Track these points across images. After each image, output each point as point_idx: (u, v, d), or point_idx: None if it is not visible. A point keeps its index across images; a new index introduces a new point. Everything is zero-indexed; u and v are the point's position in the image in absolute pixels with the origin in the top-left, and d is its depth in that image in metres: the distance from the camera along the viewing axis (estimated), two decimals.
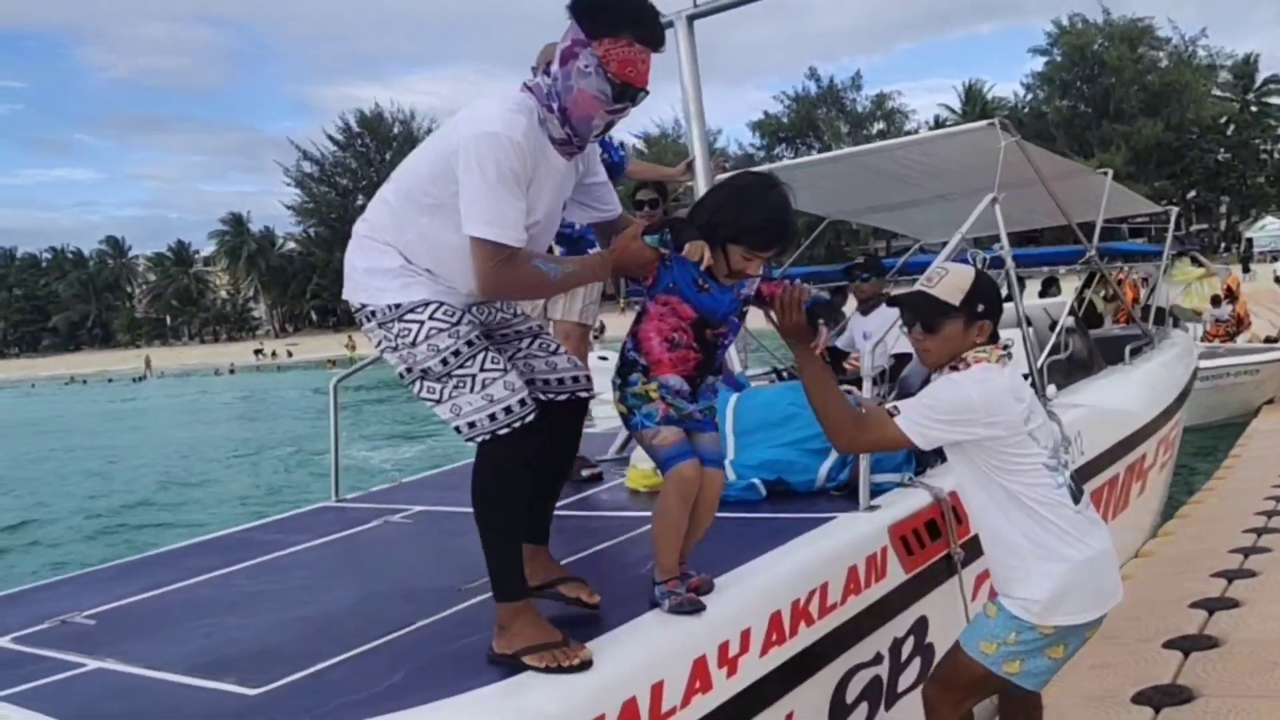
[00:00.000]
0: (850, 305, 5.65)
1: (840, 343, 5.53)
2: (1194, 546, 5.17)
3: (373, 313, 2.29)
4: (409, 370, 2.28)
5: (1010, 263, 4.95)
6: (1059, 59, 59.97)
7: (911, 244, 9.53)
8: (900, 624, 2.89)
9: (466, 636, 2.39)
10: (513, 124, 2.12)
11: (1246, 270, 28.96)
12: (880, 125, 66.83)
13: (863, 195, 6.96)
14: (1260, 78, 59.37)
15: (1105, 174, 6.59)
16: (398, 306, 2.25)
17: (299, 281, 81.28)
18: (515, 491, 2.27)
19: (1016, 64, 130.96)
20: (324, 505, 4.46)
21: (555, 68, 2.21)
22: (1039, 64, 61.76)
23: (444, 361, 2.23)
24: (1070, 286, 11.47)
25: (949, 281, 2.39)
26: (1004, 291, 5.74)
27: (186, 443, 21.56)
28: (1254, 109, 59.26)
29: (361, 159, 78.85)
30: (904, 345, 3.76)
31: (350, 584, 3.12)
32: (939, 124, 64.75)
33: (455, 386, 2.24)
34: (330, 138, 78.34)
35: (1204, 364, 10.03)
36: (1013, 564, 2.35)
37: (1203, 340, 12.67)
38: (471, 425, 2.23)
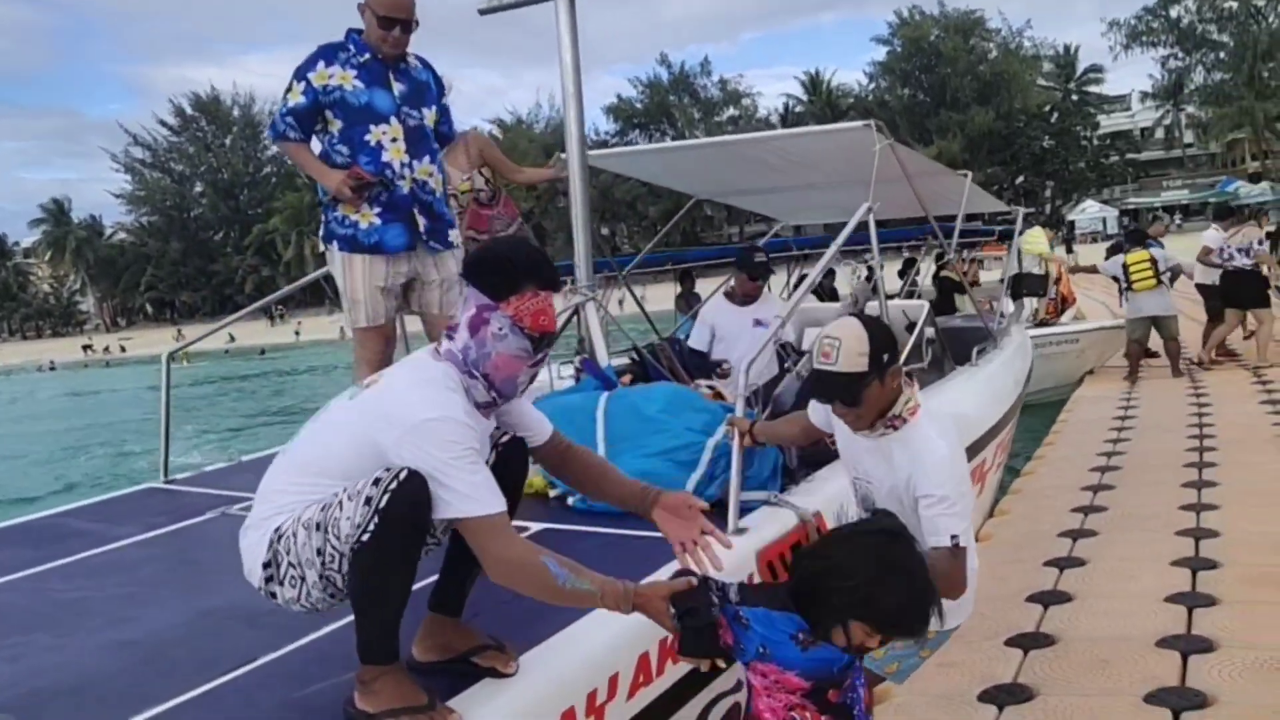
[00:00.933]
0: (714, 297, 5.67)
1: (696, 341, 5.45)
2: (1027, 527, 5.32)
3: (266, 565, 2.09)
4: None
5: (879, 273, 5.22)
6: (899, 49, 62.32)
7: (766, 228, 9.89)
8: None
9: (321, 679, 2.16)
10: (451, 403, 2.03)
11: (1070, 251, 30.69)
12: (731, 111, 68.03)
13: (731, 179, 7.23)
14: (1080, 68, 63.31)
15: (965, 175, 7.01)
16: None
17: (131, 273, 76.64)
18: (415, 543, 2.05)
19: (858, 52, 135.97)
20: (151, 486, 4.07)
21: (464, 338, 2.13)
22: (880, 53, 64.17)
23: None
24: (926, 268, 12.03)
25: (846, 350, 2.33)
26: (873, 300, 5.91)
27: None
28: (1075, 98, 63.14)
29: (199, 144, 74.87)
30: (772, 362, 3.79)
31: (183, 596, 2.78)
32: (788, 111, 66.49)
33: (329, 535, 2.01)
34: (162, 122, 74.15)
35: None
36: None
37: (1033, 322, 13.33)
38: (358, 526, 1.98)
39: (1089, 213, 57.38)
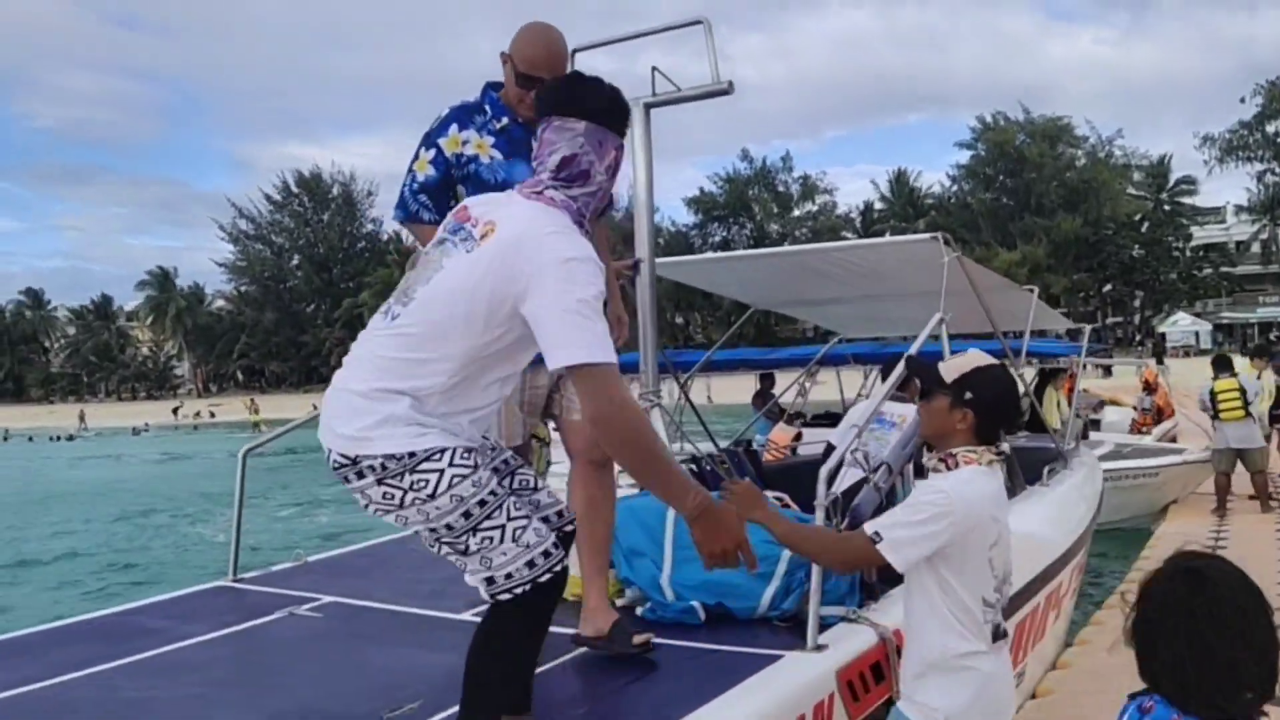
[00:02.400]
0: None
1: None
2: (1110, 659, 5.22)
3: (373, 466, 2.06)
4: (427, 526, 2.12)
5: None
6: (982, 153, 62.44)
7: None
8: None
9: None
10: (584, 246, 2.08)
11: (1160, 363, 29.93)
12: (809, 206, 68.61)
13: (794, 289, 7.21)
14: (1173, 178, 62.50)
15: (1031, 291, 6.97)
16: (410, 455, 2.05)
17: (226, 340, 79.65)
18: (538, 645, 2.21)
19: (941, 153, 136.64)
20: (220, 585, 4.06)
21: (603, 179, 2.24)
22: (964, 156, 64.31)
23: (467, 514, 2.09)
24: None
25: (955, 361, 2.43)
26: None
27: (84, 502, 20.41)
28: (1166, 208, 62.19)
29: (298, 218, 78.24)
30: (855, 473, 3.69)
31: (252, 699, 2.76)
32: (869, 209, 66.78)
33: (484, 540, 2.11)
34: (267, 196, 77.80)
35: (1106, 466, 10.40)
36: (923, 669, 2.35)
37: (1129, 430, 13.07)
38: (509, 576, 2.11)
39: (1180, 325, 56.07)
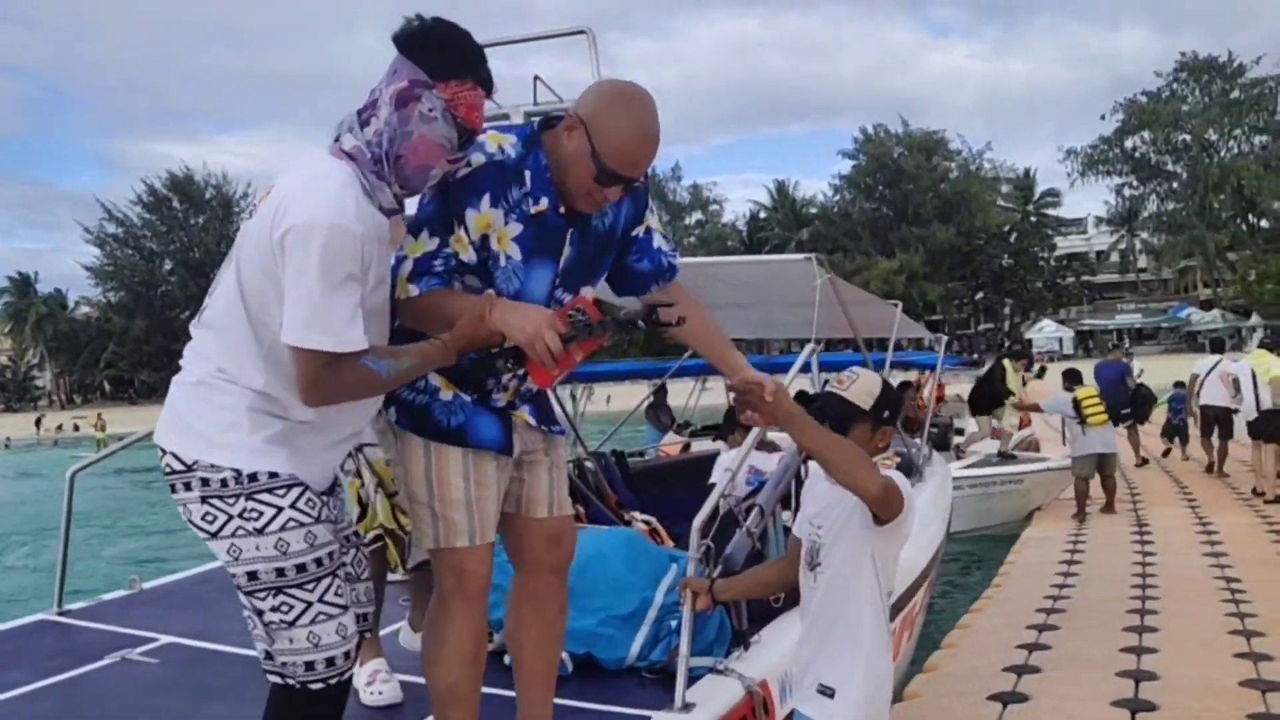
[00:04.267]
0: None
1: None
2: (974, 661, 5.41)
3: (206, 479, 1.85)
4: (230, 557, 1.87)
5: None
6: (863, 164, 64.38)
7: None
8: None
9: None
10: (343, 208, 1.82)
11: (1030, 368, 31.31)
12: (698, 215, 69.57)
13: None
14: (1039, 190, 65.67)
15: (895, 305, 7.38)
16: (251, 478, 1.85)
17: (92, 349, 75.70)
18: None
19: (825, 163, 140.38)
20: (43, 618, 3.73)
21: (386, 113, 1.91)
22: (846, 166, 66.18)
23: (280, 571, 1.86)
24: None
25: (859, 386, 2.41)
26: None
27: None
28: (1033, 219, 65.28)
29: (171, 221, 75.03)
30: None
31: None
32: (754, 218, 68.09)
33: (280, 610, 1.87)
34: (138, 198, 74.34)
35: (971, 473, 10.79)
36: (855, 661, 2.30)
37: (991, 437, 13.58)
38: (284, 665, 1.90)
39: (1046, 332, 58.79)
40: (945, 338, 10.67)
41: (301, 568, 1.87)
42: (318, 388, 1.83)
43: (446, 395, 2.15)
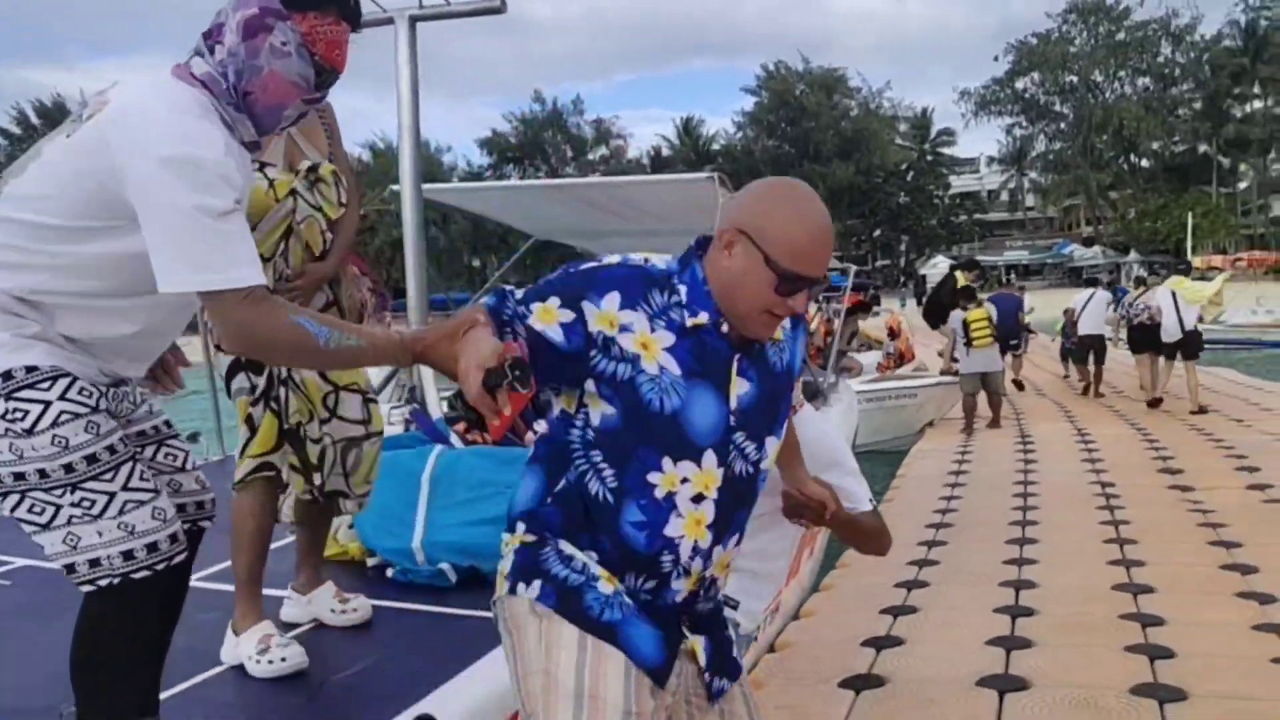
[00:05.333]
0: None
1: None
2: (868, 579, 5.66)
3: None
4: (12, 471, 1.69)
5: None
6: (766, 101, 64.66)
7: None
8: None
9: None
10: (209, 139, 1.66)
11: (921, 304, 32.32)
12: (603, 150, 68.98)
13: (574, 222, 7.25)
14: (935, 130, 67.07)
15: None
16: (5, 376, 1.67)
17: None
18: (150, 646, 1.81)
19: (729, 100, 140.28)
20: None
21: (232, 42, 1.74)
22: (749, 103, 66.39)
23: (68, 467, 1.69)
24: None
25: None
26: None
27: None
28: (929, 158, 66.77)
29: None
30: None
31: None
32: (658, 155, 67.85)
33: (78, 505, 1.70)
34: (3, 131, 69.74)
35: (866, 387, 11.22)
36: (771, 607, 2.43)
37: (876, 372, 14.11)
38: (94, 564, 1.71)
39: (939, 267, 60.38)
40: (854, 267, 11.02)
41: (92, 459, 1.71)
42: (251, 325, 1.67)
43: (606, 588, 1.71)
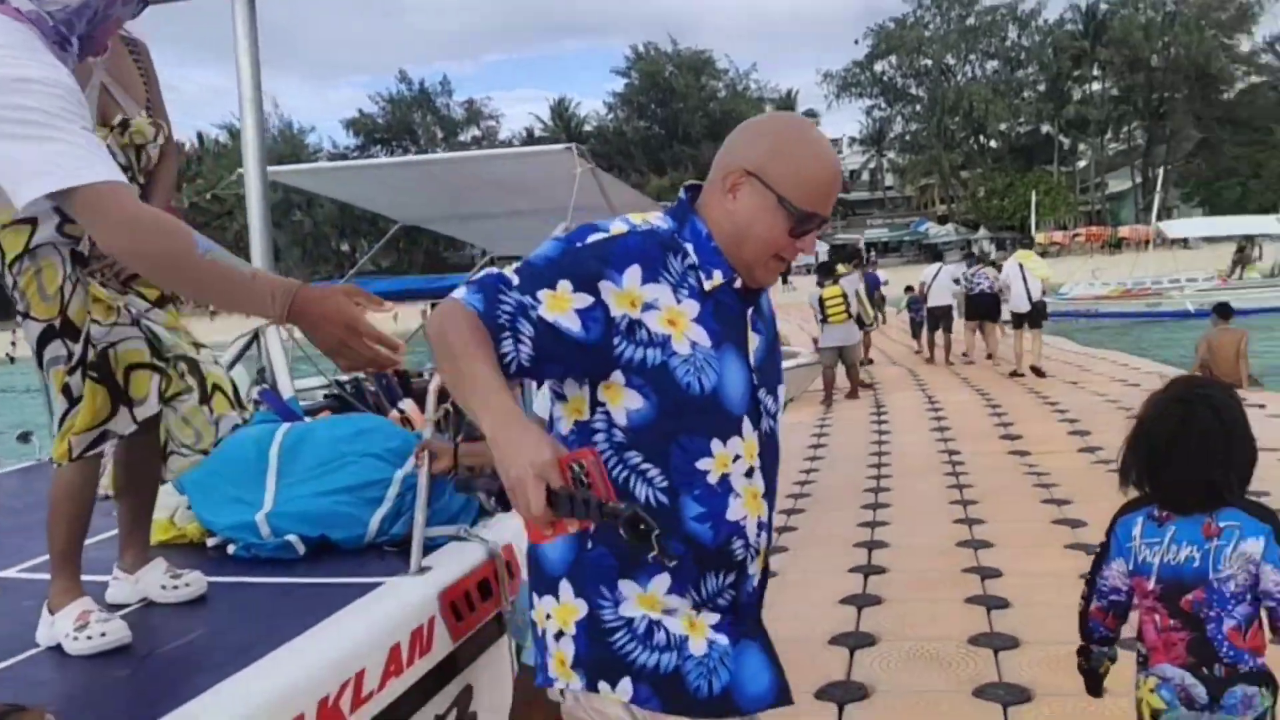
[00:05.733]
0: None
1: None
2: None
3: None
4: None
5: None
6: (636, 82, 65.01)
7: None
8: (442, 700, 2.52)
9: None
10: (46, 67, 1.63)
11: (785, 282, 33.18)
12: (474, 131, 68.11)
13: (435, 204, 7.02)
14: (799, 111, 68.66)
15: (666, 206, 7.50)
16: None
17: None
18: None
19: (601, 81, 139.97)
20: None
21: None
22: (620, 84, 66.58)
23: None
24: None
25: None
26: None
27: None
28: None
29: None
30: None
31: None
32: (530, 136, 67.46)
33: None
34: None
35: None
36: None
37: None
38: None
39: None
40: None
41: None
42: (127, 229, 1.61)
43: (699, 647, 1.55)
